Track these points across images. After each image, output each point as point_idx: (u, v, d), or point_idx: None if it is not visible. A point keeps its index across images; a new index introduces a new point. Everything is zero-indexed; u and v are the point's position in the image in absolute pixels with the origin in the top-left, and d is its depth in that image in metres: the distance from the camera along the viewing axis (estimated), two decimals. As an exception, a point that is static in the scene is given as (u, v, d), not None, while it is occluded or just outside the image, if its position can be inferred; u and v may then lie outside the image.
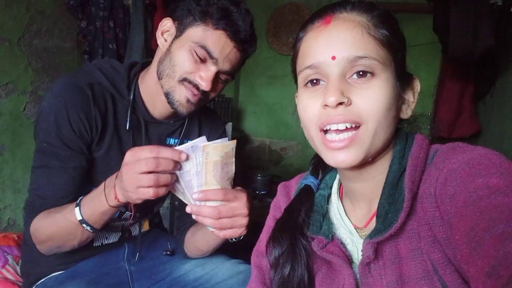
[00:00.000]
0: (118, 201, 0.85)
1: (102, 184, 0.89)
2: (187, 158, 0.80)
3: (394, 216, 0.61)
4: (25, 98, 2.14)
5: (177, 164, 0.79)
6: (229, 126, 3.67)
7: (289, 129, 4.08)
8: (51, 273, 1.07)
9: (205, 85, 0.98)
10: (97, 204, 0.89)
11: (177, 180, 0.83)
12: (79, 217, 0.90)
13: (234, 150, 0.82)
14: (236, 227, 0.87)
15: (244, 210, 0.86)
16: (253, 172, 3.78)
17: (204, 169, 0.81)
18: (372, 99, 0.62)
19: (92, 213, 0.90)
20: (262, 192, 3.63)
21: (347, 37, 0.63)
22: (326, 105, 0.62)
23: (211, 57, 0.97)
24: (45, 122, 0.96)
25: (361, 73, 0.62)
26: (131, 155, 0.80)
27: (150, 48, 2.55)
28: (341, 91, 0.61)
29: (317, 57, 0.65)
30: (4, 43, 1.98)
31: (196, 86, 0.99)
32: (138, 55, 2.45)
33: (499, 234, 0.45)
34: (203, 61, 0.98)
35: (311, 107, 0.66)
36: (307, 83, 0.68)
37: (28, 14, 2.09)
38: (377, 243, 0.64)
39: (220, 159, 0.81)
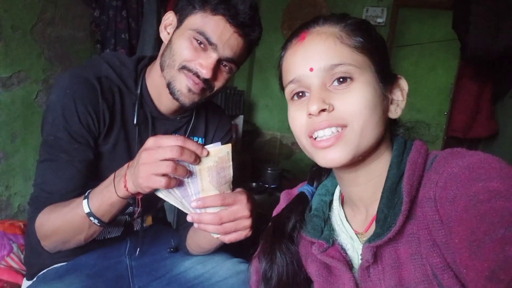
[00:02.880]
0: (127, 190, 0.82)
1: (112, 175, 0.88)
2: (200, 160, 0.78)
3: (393, 220, 0.62)
4: (37, 87, 2.15)
5: (197, 159, 0.77)
6: (240, 119, 3.66)
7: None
8: (53, 265, 1.07)
9: (205, 73, 0.96)
10: (106, 195, 0.87)
11: (172, 189, 0.81)
12: (86, 210, 0.88)
13: (230, 154, 0.79)
14: (240, 230, 0.85)
15: (246, 212, 0.84)
16: (263, 166, 3.76)
17: (198, 175, 0.79)
18: (353, 101, 0.65)
19: (100, 205, 0.88)
20: (272, 186, 3.62)
21: (321, 48, 0.67)
22: (310, 114, 0.66)
23: (210, 43, 0.95)
24: (53, 115, 0.96)
25: (341, 79, 0.66)
26: (154, 141, 0.77)
27: (162, 39, 2.54)
28: (322, 99, 0.65)
29: (297, 71, 0.69)
30: (17, 31, 1.99)
31: (196, 74, 0.97)
32: (150, 45, 2.44)
33: (499, 238, 0.45)
34: (203, 49, 0.96)
35: (298, 118, 0.71)
36: (293, 97, 0.72)
37: (41, 3, 2.09)
38: (376, 247, 0.65)
39: (214, 164, 0.79)
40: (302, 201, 0.85)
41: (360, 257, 0.69)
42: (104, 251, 1.12)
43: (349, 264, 0.71)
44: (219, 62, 0.99)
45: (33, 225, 0.97)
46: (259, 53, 4.20)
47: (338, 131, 0.66)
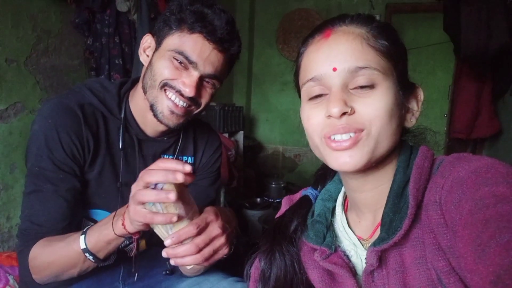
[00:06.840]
0: (125, 228, 0.83)
1: (112, 214, 0.88)
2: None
3: (398, 224, 0.62)
4: (34, 117, 2.17)
5: (187, 177, 0.74)
6: (240, 135, 3.66)
7: (303, 135, 3.94)
8: (46, 295, 1.06)
9: (188, 91, 0.96)
10: (103, 232, 0.87)
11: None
12: (82, 246, 0.88)
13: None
14: (218, 249, 0.85)
15: (218, 231, 0.84)
16: (267, 180, 3.74)
17: (164, 211, 0.76)
18: (374, 106, 0.63)
19: (96, 242, 0.88)
20: (277, 200, 3.58)
21: (347, 48, 0.64)
22: (330, 116, 0.64)
23: (190, 62, 0.96)
24: (36, 146, 0.96)
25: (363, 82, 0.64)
26: (140, 175, 0.77)
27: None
28: (344, 100, 0.63)
29: (318, 70, 0.66)
30: (11, 64, 2.02)
31: (180, 93, 0.97)
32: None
33: (505, 243, 0.45)
34: (184, 68, 0.97)
35: (314, 116, 0.67)
36: (310, 98, 0.69)
37: (35, 34, 2.13)
38: (381, 251, 0.64)
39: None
40: (305, 204, 0.84)
41: (364, 262, 0.69)
42: (98, 279, 1.10)
43: (352, 271, 0.70)
44: (201, 79, 0.99)
45: (23, 257, 0.96)
46: (256, 68, 4.23)
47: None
